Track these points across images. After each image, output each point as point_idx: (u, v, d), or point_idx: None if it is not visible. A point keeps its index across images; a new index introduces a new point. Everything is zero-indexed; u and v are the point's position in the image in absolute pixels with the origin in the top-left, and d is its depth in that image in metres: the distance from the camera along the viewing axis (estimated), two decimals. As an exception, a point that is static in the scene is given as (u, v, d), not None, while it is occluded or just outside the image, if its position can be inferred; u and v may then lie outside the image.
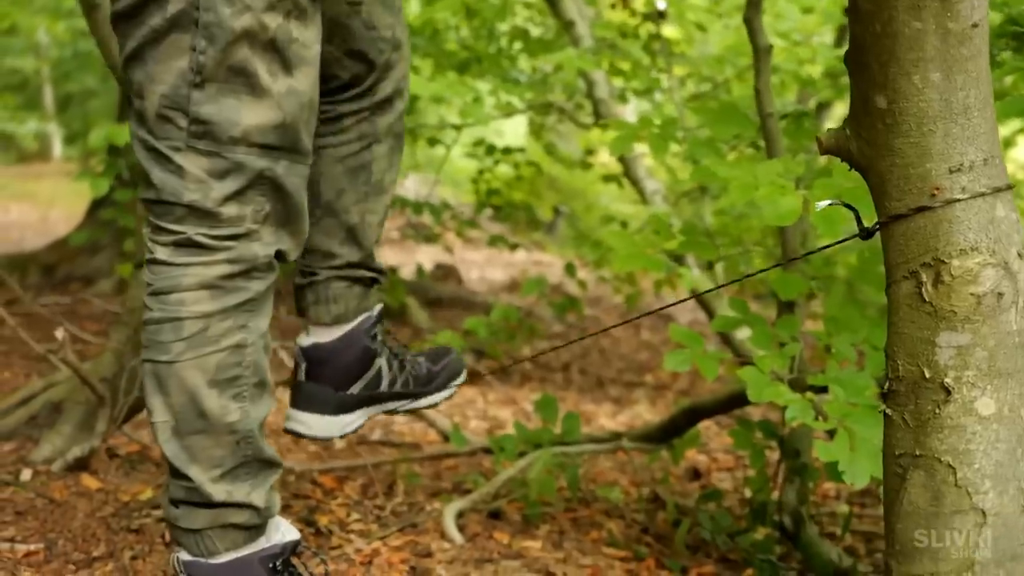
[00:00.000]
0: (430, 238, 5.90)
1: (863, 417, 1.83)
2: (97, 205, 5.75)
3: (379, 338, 2.13)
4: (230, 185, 1.66)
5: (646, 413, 4.31)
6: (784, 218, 1.90)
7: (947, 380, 1.22)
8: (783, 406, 2.71)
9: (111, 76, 3.68)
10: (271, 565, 1.74)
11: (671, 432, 2.96)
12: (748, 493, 2.84)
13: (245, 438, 1.71)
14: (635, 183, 4.40)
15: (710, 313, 4.24)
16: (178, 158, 1.65)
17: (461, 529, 2.50)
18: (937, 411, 1.22)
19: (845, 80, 3.85)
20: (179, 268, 1.67)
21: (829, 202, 1.46)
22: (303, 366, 2.07)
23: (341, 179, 2.03)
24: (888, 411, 1.27)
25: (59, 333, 2.56)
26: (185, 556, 1.74)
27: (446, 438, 3.30)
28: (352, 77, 1.97)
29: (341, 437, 2.12)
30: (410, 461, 3.07)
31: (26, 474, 2.54)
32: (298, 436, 2.08)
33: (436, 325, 5.43)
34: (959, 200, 1.23)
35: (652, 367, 5.47)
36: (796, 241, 2.45)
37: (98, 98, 15.99)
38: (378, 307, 2.14)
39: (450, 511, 2.56)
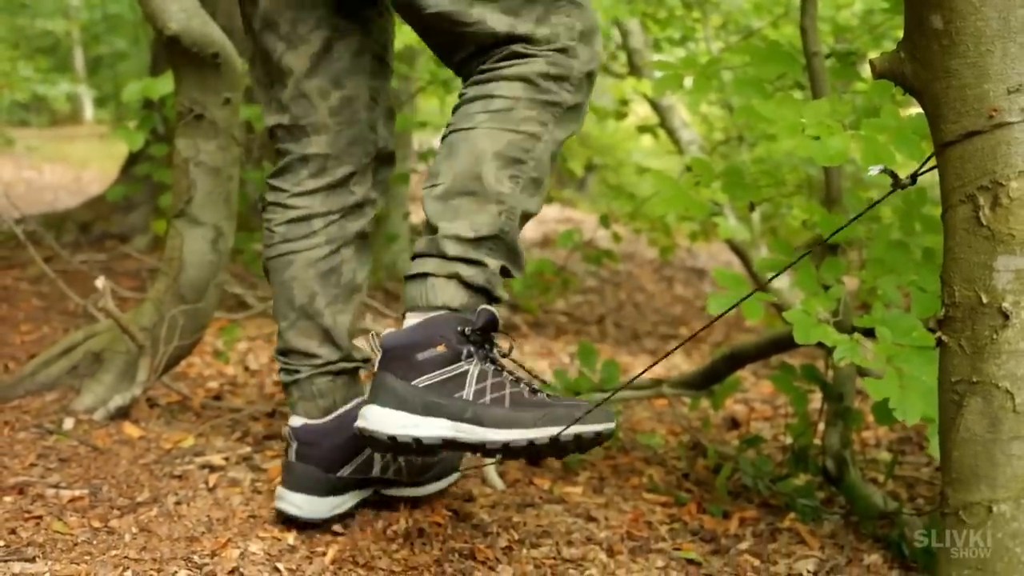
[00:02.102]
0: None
1: (912, 357, 1.81)
2: (132, 162, 5.76)
3: None
4: (534, 11, 1.82)
5: (683, 364, 4.29)
6: (833, 159, 1.88)
7: (1005, 304, 1.20)
8: (826, 351, 2.71)
9: (141, 38, 3.70)
10: (459, 329, 1.76)
11: (711, 378, 2.94)
12: (788, 441, 2.83)
13: (508, 212, 1.80)
14: (671, 133, 4.36)
15: (746, 262, 4.22)
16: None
17: (502, 475, 2.50)
18: (994, 336, 1.20)
19: (882, 29, 3.79)
20: (501, 68, 1.82)
21: (879, 169, 1.43)
22: (293, 446, 2.12)
23: (313, 283, 2.16)
24: (944, 338, 1.25)
25: (99, 283, 2.57)
26: (384, 332, 1.78)
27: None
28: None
29: (327, 520, 2.12)
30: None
31: (68, 423, 2.56)
32: (288, 516, 2.10)
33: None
34: (1018, 122, 1.20)
35: (687, 320, 5.46)
36: (840, 184, 2.42)
37: (128, 60, 16.04)
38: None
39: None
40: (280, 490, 2.10)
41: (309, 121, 2.10)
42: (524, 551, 2.09)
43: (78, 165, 12.24)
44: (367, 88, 2.11)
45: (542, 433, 1.70)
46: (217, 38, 2.68)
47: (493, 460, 1.87)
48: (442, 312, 1.77)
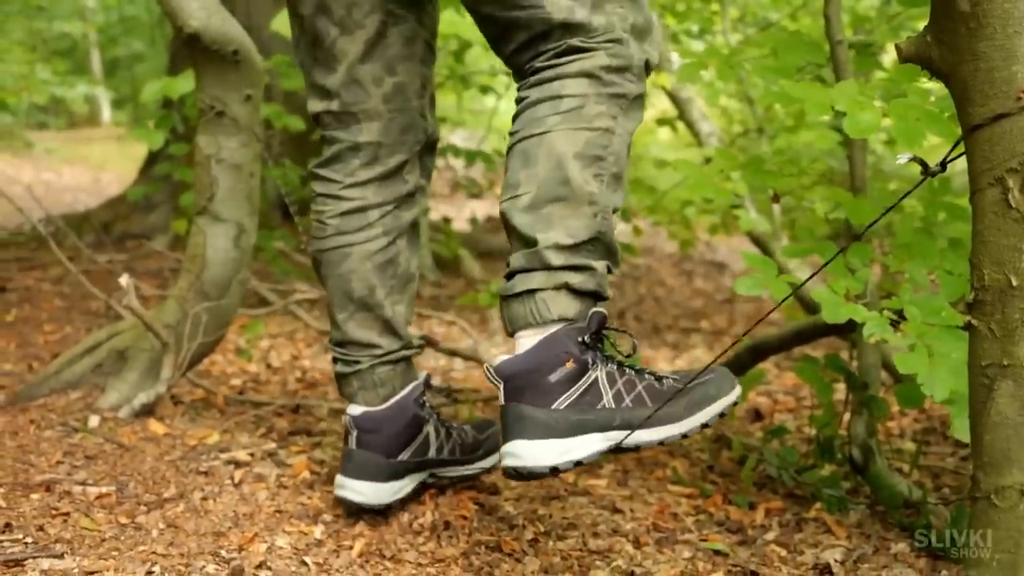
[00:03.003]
0: (476, 194, 5.90)
1: (941, 335, 1.80)
2: (152, 162, 5.79)
3: (427, 405, 2.18)
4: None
5: (704, 357, 4.28)
6: (865, 131, 1.88)
7: (1035, 287, 1.20)
8: (849, 342, 2.70)
9: (158, 40, 3.71)
10: (579, 339, 1.74)
11: (735, 370, 2.92)
12: (812, 432, 2.82)
13: (603, 212, 1.78)
14: (690, 125, 4.35)
15: (768, 254, 4.20)
16: None
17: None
18: (1025, 319, 1.20)
19: (899, 20, 3.78)
20: (562, 65, 1.79)
21: (908, 157, 1.42)
22: (354, 434, 2.14)
23: (371, 275, 2.15)
24: (974, 322, 1.25)
25: (123, 280, 2.58)
26: (495, 359, 1.76)
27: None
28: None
29: (391, 504, 2.14)
30: (473, 402, 3.08)
31: (94, 421, 2.58)
32: (350, 505, 2.12)
33: (489, 276, 5.44)
34: (1046, 103, 1.20)
35: (708, 314, 5.44)
36: (865, 171, 2.41)
37: (145, 62, 16.10)
38: (423, 374, 2.20)
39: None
40: (341, 479, 2.11)
41: (361, 108, 2.08)
42: (551, 543, 2.10)
43: (96, 167, 12.30)
44: (418, 75, 2.09)
45: (692, 424, 1.76)
46: (237, 35, 2.69)
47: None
48: (557, 328, 1.73)
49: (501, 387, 1.74)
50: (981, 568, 1.23)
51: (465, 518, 2.16)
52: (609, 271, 1.83)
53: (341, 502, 2.13)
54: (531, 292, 1.75)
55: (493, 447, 2.28)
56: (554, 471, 1.72)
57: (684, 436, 1.76)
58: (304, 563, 1.92)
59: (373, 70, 2.06)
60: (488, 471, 2.31)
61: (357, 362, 2.15)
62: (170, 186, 5.47)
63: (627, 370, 1.79)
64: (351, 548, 2.00)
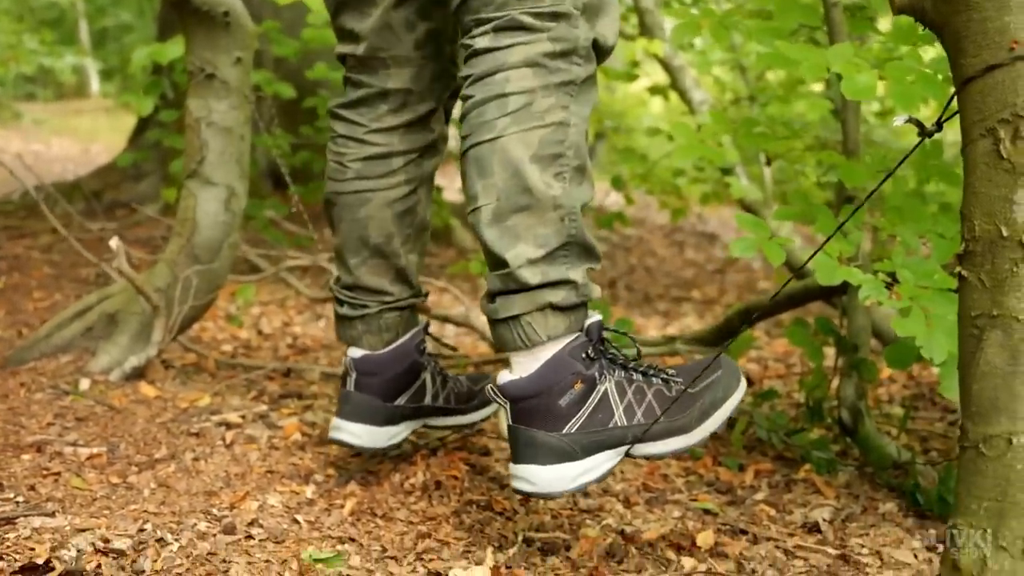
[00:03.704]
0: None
1: (935, 298, 1.80)
2: (141, 130, 5.76)
3: (426, 352, 2.17)
4: None
5: (695, 325, 4.29)
6: (862, 93, 1.88)
7: (1025, 238, 1.20)
8: (840, 309, 2.71)
9: (146, 10, 3.70)
10: (583, 355, 1.73)
11: (725, 334, 2.95)
12: (801, 398, 2.83)
13: (569, 215, 1.71)
14: (682, 94, 4.34)
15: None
16: None
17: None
18: (1015, 270, 1.20)
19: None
20: (502, 50, 1.72)
21: (905, 118, 1.42)
22: (352, 377, 2.13)
23: (390, 223, 2.12)
24: (964, 273, 1.25)
25: (113, 243, 2.57)
26: (501, 377, 1.75)
27: (496, 350, 3.30)
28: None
29: (385, 449, 2.15)
30: (464, 366, 3.08)
31: (84, 384, 2.58)
32: (345, 446, 2.13)
33: (479, 247, 5.45)
34: (1038, 54, 1.20)
35: (698, 284, 5.45)
36: (858, 136, 2.41)
37: (134, 32, 16.01)
38: (424, 320, 2.19)
39: (504, 415, 2.57)
40: (337, 421, 2.12)
41: (391, 54, 2.03)
42: (541, 502, 2.10)
43: (85, 138, 12.25)
44: (451, 20, 1.99)
45: (703, 434, 1.77)
46: (227, -3, 2.68)
47: None
48: (556, 347, 1.71)
49: (507, 407, 1.74)
50: (968, 516, 1.24)
51: (456, 478, 2.17)
52: (591, 269, 1.78)
53: (336, 443, 2.13)
54: (515, 317, 1.72)
55: (487, 400, 2.29)
56: (566, 494, 1.74)
57: (695, 447, 1.78)
58: (296, 520, 1.92)
59: (407, 15, 2.00)
60: (480, 423, 2.31)
61: (365, 307, 2.13)
62: (159, 154, 5.45)
63: (635, 375, 1.78)
64: (342, 507, 2.01)
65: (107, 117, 13.85)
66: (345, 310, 2.15)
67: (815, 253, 1.77)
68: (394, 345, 2.13)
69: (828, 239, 1.74)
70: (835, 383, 2.61)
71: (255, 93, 3.11)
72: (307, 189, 4.26)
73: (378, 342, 2.14)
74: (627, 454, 1.77)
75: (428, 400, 2.19)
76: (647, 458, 1.78)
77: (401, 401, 2.14)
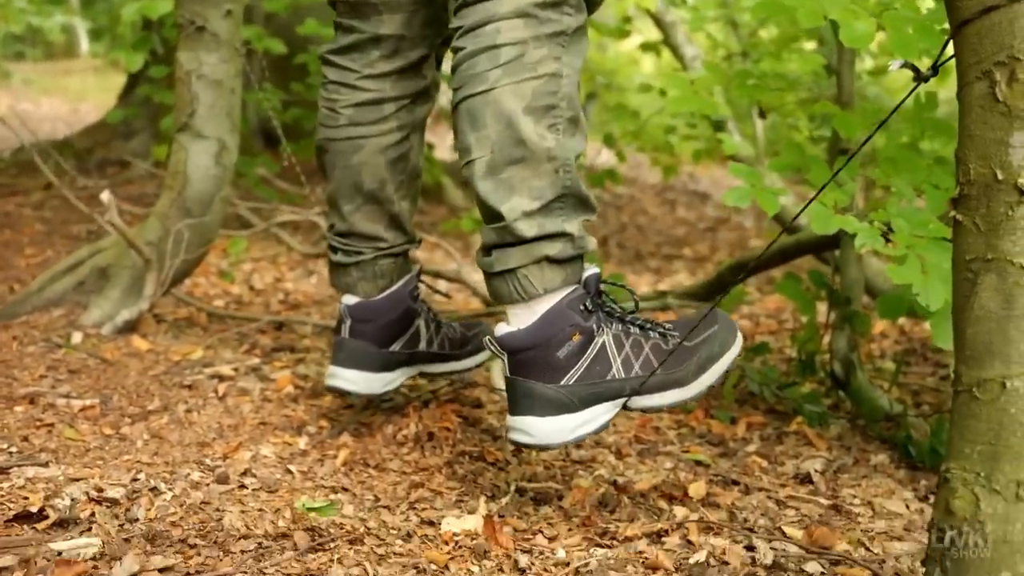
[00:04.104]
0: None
1: (931, 246, 1.79)
2: (131, 87, 5.72)
3: (419, 298, 2.16)
4: None
5: (686, 282, 4.29)
6: (859, 40, 1.87)
7: (1020, 181, 1.19)
8: (832, 263, 2.70)
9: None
10: (581, 307, 1.73)
11: (717, 289, 2.94)
12: (793, 353, 2.83)
13: (564, 166, 1.70)
14: (674, 50, 4.31)
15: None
16: None
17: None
18: (1010, 213, 1.19)
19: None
20: (493, 1, 1.70)
21: (900, 63, 1.41)
22: (347, 324, 2.12)
23: (383, 169, 2.10)
24: (958, 216, 1.24)
25: (104, 196, 2.56)
26: (499, 329, 1.74)
27: (487, 303, 3.30)
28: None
29: (382, 396, 2.15)
30: (455, 320, 3.08)
31: (77, 337, 2.57)
32: (341, 394, 2.13)
33: (471, 204, 5.42)
34: (1035, -5, 1.18)
35: (690, 242, 5.45)
36: (853, 87, 2.40)
37: (123, -9, 15.85)
38: (417, 266, 2.18)
39: (498, 365, 2.57)
40: (333, 368, 2.11)
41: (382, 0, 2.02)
42: (533, 453, 2.11)
43: (74, 97, 12.16)
44: None
45: (699, 388, 1.77)
46: (217, -53, 2.65)
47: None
48: (553, 299, 1.71)
49: (505, 359, 1.73)
50: (962, 460, 1.24)
51: (449, 430, 2.17)
52: (587, 221, 1.77)
53: (331, 391, 2.14)
54: (511, 270, 1.71)
55: (481, 345, 2.28)
56: (564, 445, 1.74)
57: (692, 400, 1.78)
58: (289, 471, 1.92)
59: None
60: (474, 368, 2.31)
61: (360, 253, 2.13)
62: (150, 111, 5.40)
63: (631, 328, 1.77)
64: (335, 457, 2.01)
65: (96, 76, 13.74)
66: (339, 257, 2.14)
67: (810, 201, 1.76)
68: (388, 291, 2.13)
69: (823, 187, 1.73)
70: (827, 339, 2.61)
71: (245, 47, 3.09)
72: (298, 146, 4.24)
73: (373, 289, 2.13)
74: (624, 406, 1.77)
75: (423, 346, 2.19)
76: (644, 411, 1.78)
77: (396, 347, 2.14)
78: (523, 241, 1.70)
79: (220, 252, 3.86)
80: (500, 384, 2.48)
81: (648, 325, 1.80)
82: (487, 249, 1.75)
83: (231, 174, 2.80)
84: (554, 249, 1.71)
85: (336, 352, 2.12)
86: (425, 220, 5.13)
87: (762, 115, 2.44)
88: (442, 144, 6.62)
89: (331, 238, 2.16)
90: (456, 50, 1.75)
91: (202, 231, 2.75)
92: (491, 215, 1.72)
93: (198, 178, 2.72)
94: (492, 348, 1.74)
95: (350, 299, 2.13)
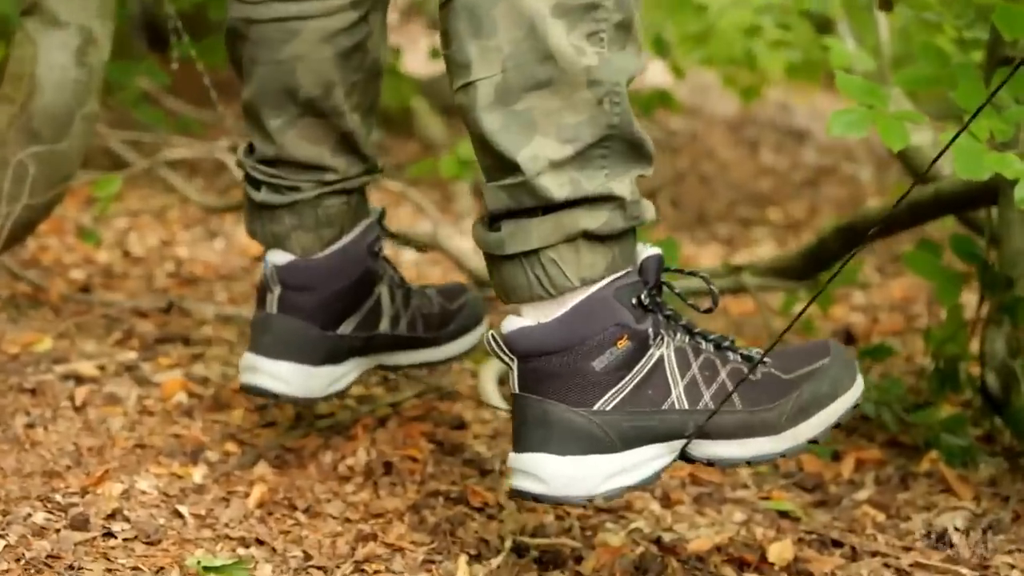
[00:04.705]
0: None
1: None
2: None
3: (381, 254, 2.16)
4: None
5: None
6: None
7: None
8: (985, 228, 2.71)
9: None
10: (634, 300, 1.72)
11: (816, 264, 2.95)
12: (927, 361, 2.83)
13: (610, 95, 1.68)
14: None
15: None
16: None
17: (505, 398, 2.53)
18: None
19: None
20: None
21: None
22: (276, 293, 2.09)
23: (329, 66, 2.08)
24: None
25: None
26: (508, 324, 1.72)
27: (479, 283, 3.31)
28: None
29: (326, 399, 2.17)
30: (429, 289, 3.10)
31: None
32: (263, 396, 2.13)
33: (454, 138, 5.41)
34: None
35: (778, 199, 5.46)
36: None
37: None
38: (378, 209, 2.17)
39: (489, 371, 2.58)
40: (251, 359, 2.11)
41: None
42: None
43: None
44: None
45: (796, 440, 1.75)
46: None
47: None
48: (595, 288, 1.69)
49: (514, 367, 1.72)
50: None
51: (415, 460, 2.19)
52: (641, 176, 1.75)
53: (248, 392, 2.14)
54: (532, 253, 1.69)
55: (469, 322, 2.29)
56: (591, 501, 1.72)
57: (783, 456, 1.77)
58: (178, 514, 1.94)
59: None
60: (459, 359, 2.32)
61: (295, 189, 2.11)
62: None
63: (703, 343, 1.77)
64: (246, 496, 2.03)
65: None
66: (264, 195, 2.13)
67: (957, 134, 1.76)
68: (337, 245, 2.13)
69: (976, 113, 1.74)
70: (977, 340, 2.62)
71: None
72: (202, 46, 4.23)
73: (314, 242, 2.13)
74: (682, 454, 1.76)
75: (385, 326, 2.18)
76: (711, 463, 1.77)
77: (347, 329, 2.14)
78: (550, 207, 1.68)
79: (81, 202, 3.87)
80: (494, 398, 2.49)
81: (726, 343, 1.80)
82: (493, 219, 1.73)
83: (99, 81, 2.79)
84: (596, 220, 1.69)
85: (257, 335, 2.12)
86: (388, 160, 5.14)
87: (887, 5, 2.43)
88: (413, 49, 6.61)
89: (250, 166, 2.15)
90: None
91: (55, 164, 2.74)
92: (501, 165, 1.69)
93: (52, 84, 2.71)
94: (495, 350, 1.73)
95: (280, 256, 2.12)
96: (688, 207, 5.18)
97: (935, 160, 1.69)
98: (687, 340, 1.76)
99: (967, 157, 1.92)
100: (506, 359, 1.72)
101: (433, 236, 3.47)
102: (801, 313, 1.81)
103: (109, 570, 1.73)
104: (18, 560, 1.73)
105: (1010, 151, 2.04)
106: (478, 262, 3.39)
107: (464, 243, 3.62)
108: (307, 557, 1.85)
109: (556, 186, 1.66)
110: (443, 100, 5.97)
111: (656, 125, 6.24)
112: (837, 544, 2.09)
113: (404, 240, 3.55)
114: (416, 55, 6.48)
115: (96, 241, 3.53)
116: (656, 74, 5.45)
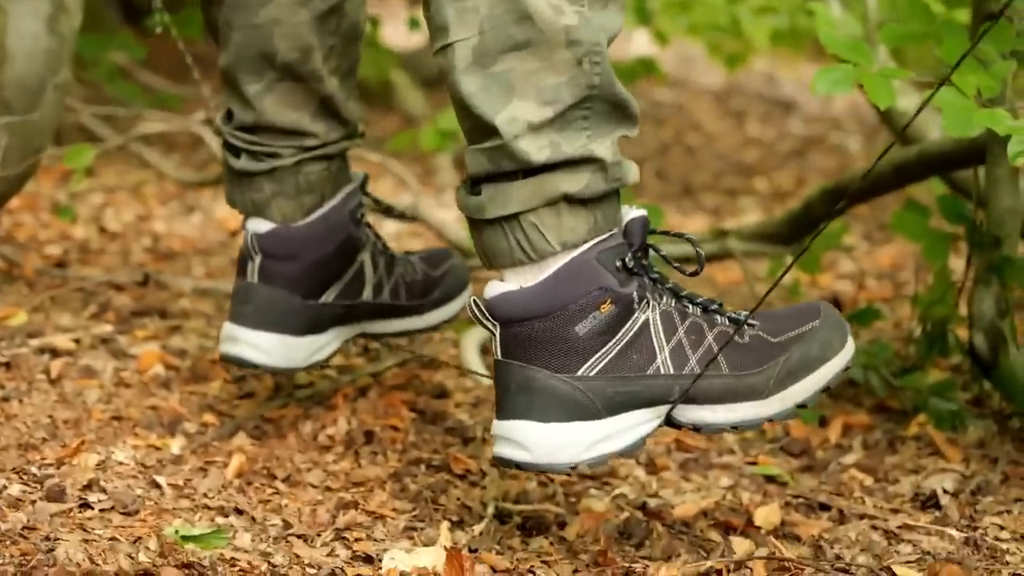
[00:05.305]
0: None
1: None
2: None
3: (363, 221, 2.15)
4: None
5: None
6: None
7: None
8: (973, 188, 2.71)
9: None
10: (618, 263, 1.72)
11: (802, 228, 2.95)
12: (915, 325, 2.83)
13: (590, 54, 1.67)
14: None
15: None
16: None
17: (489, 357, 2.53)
18: None
19: None
20: None
21: None
22: (256, 261, 2.10)
23: (306, 30, 2.09)
24: None
25: None
26: (490, 289, 1.73)
27: (464, 254, 3.31)
28: None
29: (307, 370, 2.16)
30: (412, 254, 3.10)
31: None
32: (244, 366, 2.14)
33: (434, 110, 5.40)
34: None
35: (765, 170, 5.47)
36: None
37: None
38: (360, 174, 2.17)
39: (471, 339, 2.59)
40: (232, 329, 2.12)
41: None
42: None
43: None
44: None
45: (784, 405, 1.76)
46: None
47: None
48: (577, 252, 1.70)
49: (496, 333, 1.72)
50: None
51: (396, 429, 2.20)
52: (624, 137, 1.75)
53: (228, 362, 2.15)
54: (513, 217, 1.70)
55: (452, 289, 2.29)
56: (575, 468, 1.72)
57: (770, 420, 1.77)
58: (155, 484, 1.94)
59: None
60: (444, 325, 2.33)
61: (275, 155, 2.12)
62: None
63: (690, 306, 1.78)
64: (224, 466, 2.03)
65: None
66: (243, 162, 2.14)
67: (940, 84, 1.76)
68: (319, 212, 2.14)
69: (958, 63, 1.74)
70: (965, 301, 2.62)
71: None
72: (178, 18, 4.22)
73: (295, 209, 2.13)
74: (667, 418, 1.77)
75: (368, 294, 2.19)
76: (697, 428, 1.77)
77: (329, 297, 2.15)
78: (529, 170, 1.68)
79: (56, 177, 3.87)
80: (476, 365, 2.49)
81: (713, 306, 1.80)
82: (474, 183, 1.74)
83: (71, 50, 2.78)
84: (577, 182, 1.69)
85: (238, 304, 2.12)
86: (368, 134, 5.13)
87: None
88: (393, 20, 6.60)
89: (229, 133, 2.15)
90: None
91: (27, 135, 2.73)
92: (479, 128, 1.70)
93: (22, 53, 2.70)
94: (477, 315, 1.74)
95: (260, 225, 2.12)
96: (674, 178, 5.19)
97: (919, 110, 1.69)
98: (674, 304, 1.76)
99: (956, 115, 1.92)
100: (488, 325, 1.72)
101: (414, 208, 3.46)
102: (786, 271, 1.82)
103: (86, 540, 1.72)
104: (-7, 532, 1.73)
105: (998, 107, 2.04)
106: (460, 233, 3.40)
107: (445, 214, 3.63)
108: (287, 525, 1.86)
109: (535, 149, 1.66)
110: (423, 73, 5.97)
111: (641, 96, 6.22)
112: (824, 507, 2.10)
113: (387, 207, 3.55)
114: (396, 27, 6.47)
115: (72, 217, 3.52)
116: (640, 44, 5.45)
